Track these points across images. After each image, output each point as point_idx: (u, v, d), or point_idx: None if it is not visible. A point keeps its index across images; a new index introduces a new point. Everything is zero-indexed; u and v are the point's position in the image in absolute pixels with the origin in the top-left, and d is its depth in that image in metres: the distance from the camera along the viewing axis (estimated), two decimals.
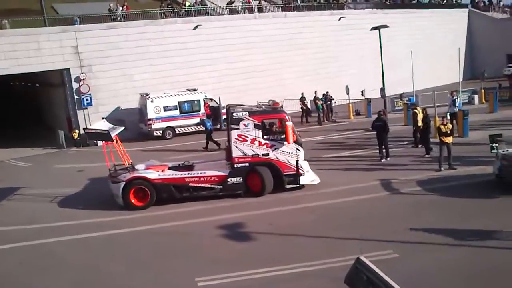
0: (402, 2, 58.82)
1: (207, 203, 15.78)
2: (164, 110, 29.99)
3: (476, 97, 34.39)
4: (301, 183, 16.51)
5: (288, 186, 16.39)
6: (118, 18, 33.08)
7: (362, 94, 32.41)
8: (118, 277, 10.91)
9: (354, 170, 18.82)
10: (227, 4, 39.41)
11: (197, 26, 34.95)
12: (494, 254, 10.30)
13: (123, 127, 17.88)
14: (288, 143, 16.19)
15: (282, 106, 17.84)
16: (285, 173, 16.33)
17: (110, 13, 33.00)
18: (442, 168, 17.36)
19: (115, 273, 11.11)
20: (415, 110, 21.86)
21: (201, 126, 28.97)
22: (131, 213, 15.42)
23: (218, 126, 31.67)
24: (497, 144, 16.21)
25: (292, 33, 39.54)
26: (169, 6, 35.96)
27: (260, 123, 16.39)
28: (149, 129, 29.71)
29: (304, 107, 32.74)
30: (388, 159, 19.95)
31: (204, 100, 31.61)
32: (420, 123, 21.19)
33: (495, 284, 9.07)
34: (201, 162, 18.20)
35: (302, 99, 32.89)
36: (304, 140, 25.47)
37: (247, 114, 16.40)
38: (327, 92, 33.23)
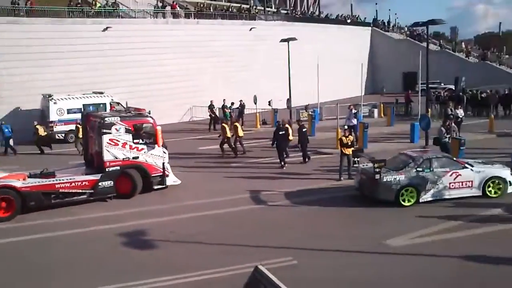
0: (311, 16, 61.19)
1: (106, 210, 15.48)
2: (68, 113, 28.87)
3: (375, 111, 36.50)
4: (167, 183, 17.59)
5: (155, 187, 17.32)
6: (21, 14, 31.40)
7: (269, 104, 33.25)
8: None
9: (257, 178, 19.19)
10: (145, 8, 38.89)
11: (107, 28, 34.09)
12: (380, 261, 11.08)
13: None
14: (158, 146, 17.32)
15: (150, 112, 18.68)
16: (153, 175, 17.23)
17: (13, 7, 31.11)
18: (341, 178, 18.19)
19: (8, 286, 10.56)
20: (223, 124, 23.56)
21: None
22: (19, 220, 14.70)
23: None
24: (358, 159, 17.39)
25: (204, 40, 39.75)
26: (78, 5, 34.71)
27: (131, 128, 17.00)
28: (50, 132, 28.40)
29: (213, 115, 33.02)
30: (285, 167, 20.74)
31: (110, 104, 30.82)
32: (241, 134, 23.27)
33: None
34: (62, 169, 17.83)
35: (211, 107, 33.16)
36: (208, 148, 25.87)
37: (119, 119, 16.96)
38: (241, 100, 33.78)
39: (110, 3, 37.03)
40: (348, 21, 63.91)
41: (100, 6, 35.85)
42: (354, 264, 10.81)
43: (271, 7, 59.32)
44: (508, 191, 15.16)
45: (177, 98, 37.81)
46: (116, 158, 16.73)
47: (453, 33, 78.91)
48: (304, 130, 22.12)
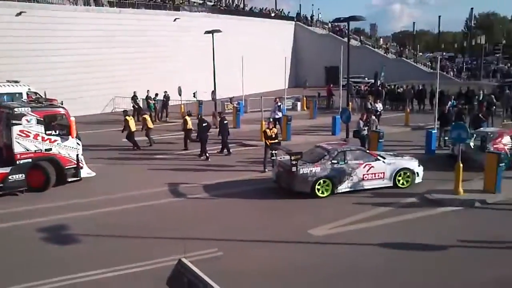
0: (236, 9, 61.23)
1: (20, 205, 14.79)
2: None
3: (299, 104, 37.29)
4: (81, 176, 17.20)
5: (69, 180, 16.87)
6: None
7: (194, 96, 33.04)
8: None
9: (181, 171, 19.03)
10: None
11: (20, 13, 32.29)
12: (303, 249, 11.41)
13: None
14: (72, 137, 16.90)
15: (62, 103, 18.36)
16: (66, 167, 16.78)
17: None
18: (266, 170, 18.41)
19: None
20: (126, 117, 23.17)
21: None
22: None
23: None
24: (276, 152, 17.44)
25: (127, 30, 38.81)
26: None
27: (42, 119, 16.43)
28: None
29: (136, 106, 32.34)
30: (209, 159, 20.82)
31: (27, 94, 29.31)
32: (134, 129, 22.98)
33: (311, 276, 10.04)
34: None
35: (134, 98, 32.46)
36: (137, 139, 25.37)
37: (29, 109, 16.29)
38: (165, 92, 33.30)
39: None
40: (272, 14, 64.67)
41: None
42: (279, 255, 11.04)
43: None
44: (416, 182, 16.04)
45: (99, 89, 36.67)
46: (28, 150, 16.04)
47: (373, 30, 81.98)
48: (225, 122, 22.20)
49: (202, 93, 33.82)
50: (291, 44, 63.72)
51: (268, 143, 18.78)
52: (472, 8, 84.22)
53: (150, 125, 24.26)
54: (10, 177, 15.59)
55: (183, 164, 20.24)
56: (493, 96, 30.49)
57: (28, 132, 16.03)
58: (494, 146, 17.56)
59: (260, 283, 9.79)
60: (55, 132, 16.63)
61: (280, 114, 25.86)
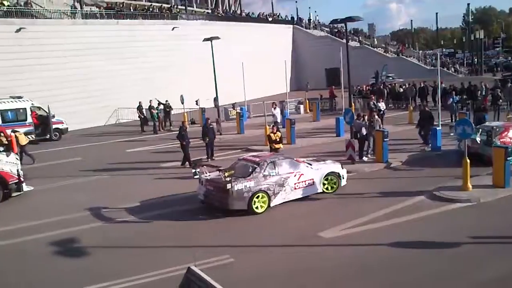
0: (233, 15, 61.41)
1: (32, 220, 14.71)
2: None
3: (301, 107, 37.28)
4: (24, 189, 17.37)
5: (14, 195, 17.00)
6: None
7: (196, 104, 33.08)
8: None
9: (181, 179, 18.39)
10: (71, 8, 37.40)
11: (20, 29, 32.45)
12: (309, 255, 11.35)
13: None
14: (15, 152, 17.54)
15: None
16: (10, 183, 16.87)
17: None
18: None
19: None
20: (16, 134, 21.80)
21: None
22: None
23: (48, 136, 29.97)
24: (198, 170, 15.06)
25: (125, 41, 38.97)
26: None
27: None
28: None
29: (142, 116, 32.45)
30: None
31: (31, 109, 29.44)
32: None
33: (310, 281, 9.97)
34: None
35: (140, 108, 32.53)
36: (140, 149, 25.44)
37: None
38: (167, 100, 33.37)
39: (21, 3, 35.24)
40: (270, 19, 64.76)
41: (9, 5, 33.93)
42: (290, 259, 10.98)
43: (193, 7, 58.98)
44: (342, 185, 15.80)
45: (100, 101, 36.80)
46: None
47: (371, 30, 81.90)
48: (211, 126, 22.24)
49: (204, 100, 33.82)
50: (291, 47, 63.76)
51: (273, 147, 18.82)
52: (468, 4, 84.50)
53: (22, 142, 22.79)
54: None
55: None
56: (498, 90, 30.36)
57: None
58: (501, 140, 17.46)
59: (273, 287, 9.71)
60: None
61: (279, 119, 25.98)
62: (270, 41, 57.38)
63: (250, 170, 14.30)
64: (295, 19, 68.72)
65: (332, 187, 15.56)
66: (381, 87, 38.77)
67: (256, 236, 12.55)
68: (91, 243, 12.51)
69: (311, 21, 71.10)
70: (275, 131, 19.29)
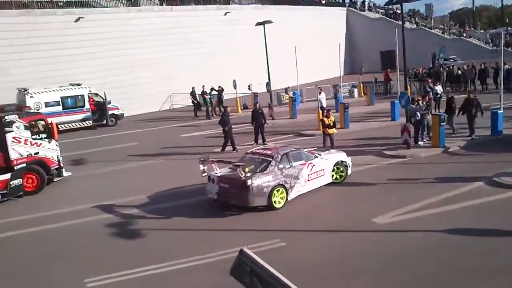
0: None
1: (91, 202, 15.27)
2: (46, 106, 28.35)
3: (355, 90, 36.63)
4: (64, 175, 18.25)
5: (55, 180, 17.84)
6: None
7: (249, 89, 33.14)
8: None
9: None
10: None
11: (79, 18, 33.50)
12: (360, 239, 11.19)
13: None
14: (55, 139, 17.91)
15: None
16: (52, 168, 17.71)
17: None
18: None
19: None
20: None
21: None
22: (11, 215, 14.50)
23: (105, 122, 30.95)
24: (206, 167, 14.11)
25: (179, 27, 39.35)
26: None
27: (28, 124, 17.15)
28: None
29: (195, 101, 32.87)
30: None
31: (88, 96, 30.46)
32: None
33: (363, 266, 9.84)
34: None
35: (193, 93, 32.95)
36: (194, 134, 25.86)
37: (17, 116, 17.02)
38: (220, 86, 33.63)
39: None
40: (323, 1, 63.75)
41: None
42: (343, 244, 10.88)
43: None
44: (349, 173, 15.49)
45: (155, 87, 37.54)
46: (21, 155, 16.82)
47: (428, 10, 79.05)
48: (260, 111, 22.21)
49: (256, 85, 33.84)
50: (344, 30, 62.63)
51: (326, 131, 18.66)
52: None
53: None
54: (11, 182, 16.15)
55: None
56: None
57: (19, 138, 16.86)
58: None
59: (322, 271, 9.66)
60: (39, 136, 17.46)
61: (324, 103, 25.83)
62: (323, 24, 56.50)
63: (265, 164, 13.67)
64: (348, 1, 67.34)
65: (341, 176, 15.31)
66: (440, 69, 37.48)
67: (308, 222, 12.49)
68: (147, 225, 12.89)
69: (365, 2, 69.45)
70: (329, 115, 19.08)
